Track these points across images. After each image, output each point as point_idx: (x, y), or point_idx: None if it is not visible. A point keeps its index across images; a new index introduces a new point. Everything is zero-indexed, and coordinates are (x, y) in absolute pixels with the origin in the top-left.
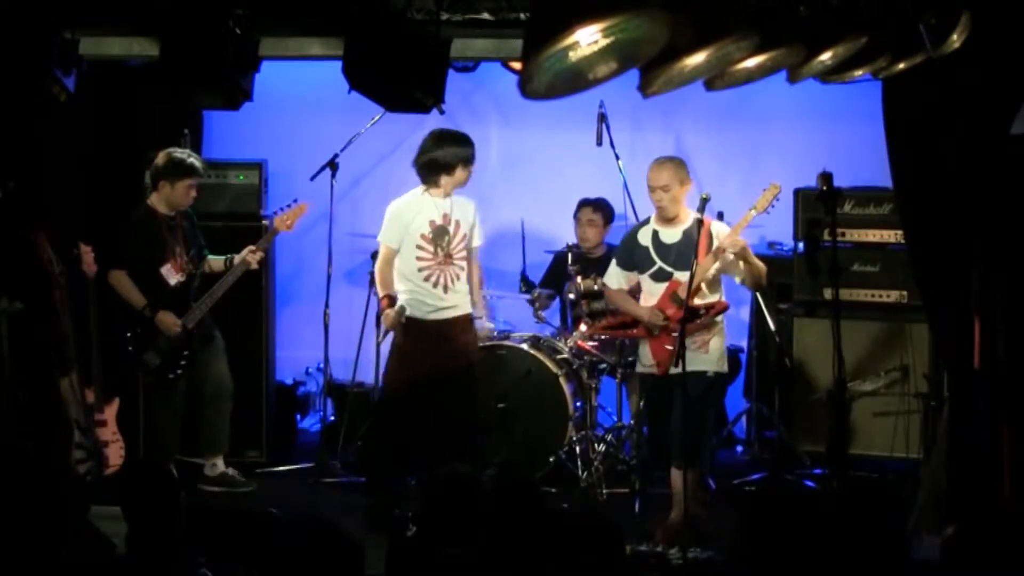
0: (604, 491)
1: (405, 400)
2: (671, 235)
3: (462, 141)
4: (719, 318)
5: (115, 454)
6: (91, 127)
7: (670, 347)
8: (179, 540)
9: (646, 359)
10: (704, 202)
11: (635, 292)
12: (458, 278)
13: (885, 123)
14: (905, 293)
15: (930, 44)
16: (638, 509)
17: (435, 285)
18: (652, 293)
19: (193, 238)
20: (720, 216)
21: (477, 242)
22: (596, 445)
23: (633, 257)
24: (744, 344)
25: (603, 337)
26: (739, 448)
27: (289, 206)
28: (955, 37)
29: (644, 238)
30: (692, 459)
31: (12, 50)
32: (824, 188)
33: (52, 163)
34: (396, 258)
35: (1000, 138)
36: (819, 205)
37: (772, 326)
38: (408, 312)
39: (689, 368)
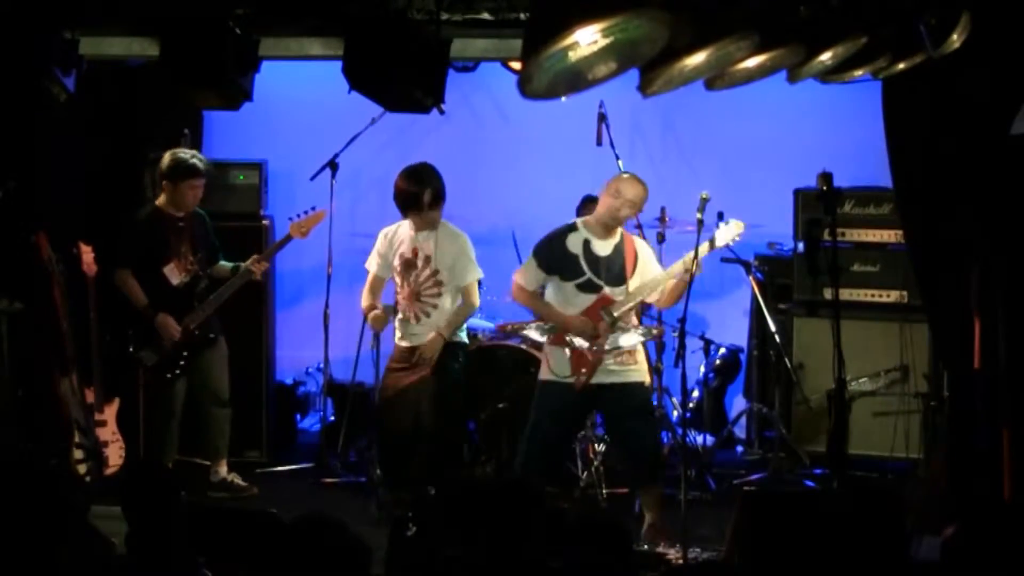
0: (604, 491)
1: (391, 411)
2: (603, 247)
3: (416, 183)
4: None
5: (115, 454)
6: (91, 127)
7: (591, 360)
8: (179, 540)
9: (562, 369)
10: (704, 202)
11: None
12: (427, 315)
13: (885, 123)
14: (905, 293)
15: (930, 44)
16: (638, 509)
17: (406, 318)
18: (573, 303)
19: (203, 240)
20: (720, 216)
21: (466, 280)
22: (596, 445)
23: (558, 262)
24: (744, 344)
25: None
26: (739, 448)
27: (307, 212)
28: (955, 37)
29: (574, 245)
30: (655, 474)
31: (12, 50)
32: (824, 188)
33: (52, 163)
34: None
35: (1000, 138)
36: (819, 205)
37: (772, 326)
38: (395, 338)
39: (624, 380)
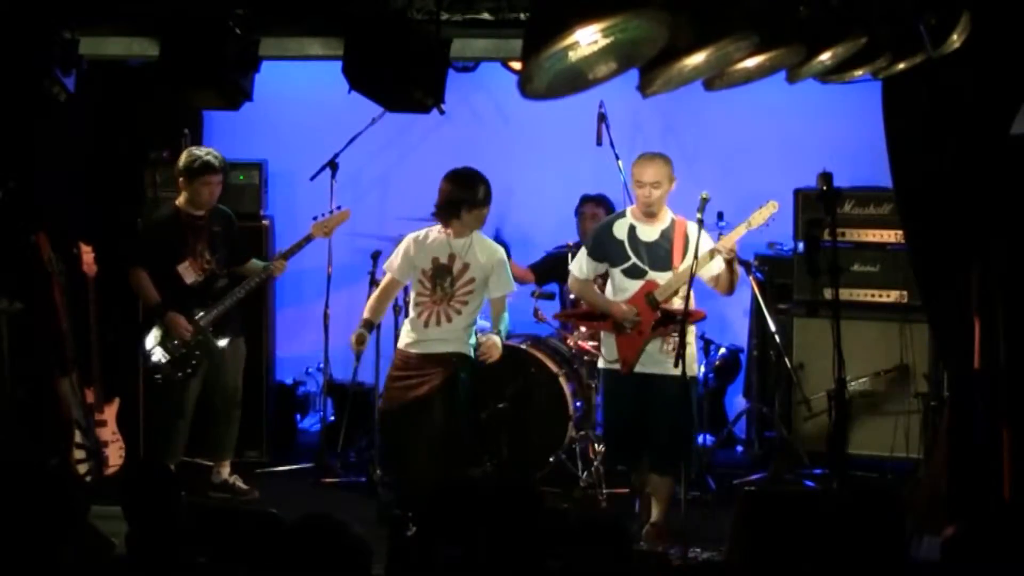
0: (604, 491)
1: (393, 418)
2: (649, 233)
3: (469, 182)
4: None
5: (115, 454)
6: (91, 127)
7: (638, 346)
8: (179, 540)
9: (610, 354)
10: (704, 202)
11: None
12: (448, 319)
13: (885, 123)
14: (905, 293)
15: (930, 44)
16: (638, 509)
17: (423, 321)
18: (622, 289)
19: (226, 240)
20: (720, 216)
21: (499, 292)
22: (596, 445)
23: (605, 249)
24: (744, 344)
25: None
26: (739, 448)
27: (331, 212)
28: (955, 37)
29: (620, 231)
30: (673, 464)
31: (12, 50)
32: (824, 188)
33: (52, 163)
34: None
35: (1000, 138)
36: (819, 205)
37: (772, 326)
38: (399, 343)
39: (669, 372)
